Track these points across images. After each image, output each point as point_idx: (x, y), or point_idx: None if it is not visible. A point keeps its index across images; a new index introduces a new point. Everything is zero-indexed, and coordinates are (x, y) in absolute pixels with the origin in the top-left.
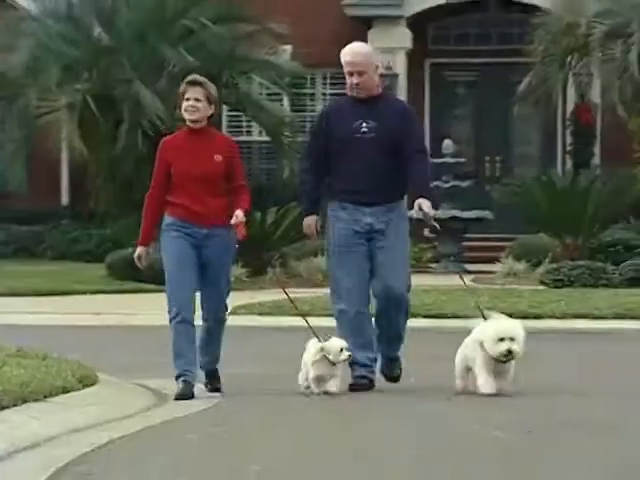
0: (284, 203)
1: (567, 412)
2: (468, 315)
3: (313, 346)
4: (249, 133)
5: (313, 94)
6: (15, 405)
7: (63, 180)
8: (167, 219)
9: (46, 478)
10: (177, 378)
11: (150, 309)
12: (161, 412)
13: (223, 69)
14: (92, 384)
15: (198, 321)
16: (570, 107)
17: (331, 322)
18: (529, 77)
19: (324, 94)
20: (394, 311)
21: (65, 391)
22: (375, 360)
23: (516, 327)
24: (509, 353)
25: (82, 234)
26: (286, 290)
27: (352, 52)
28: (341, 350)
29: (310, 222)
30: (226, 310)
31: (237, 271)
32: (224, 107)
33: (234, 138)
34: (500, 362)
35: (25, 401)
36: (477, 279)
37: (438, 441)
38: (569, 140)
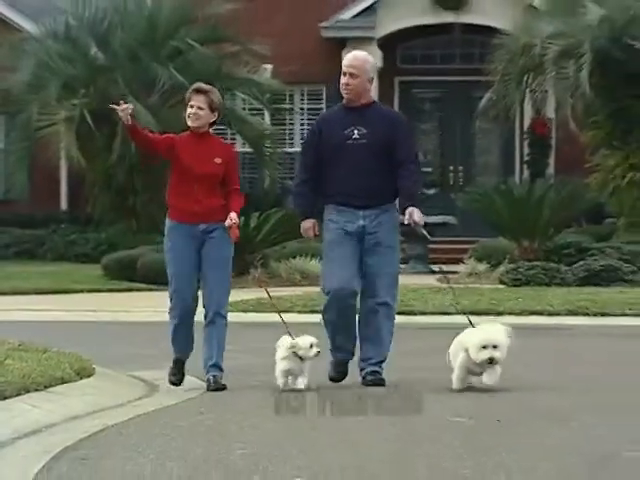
0: (265, 209)
1: (530, 403)
2: (434, 312)
3: (283, 342)
4: (233, 144)
5: (292, 109)
6: (17, 395)
7: (62, 187)
8: (168, 222)
9: (46, 462)
10: (175, 365)
11: (142, 306)
12: (152, 401)
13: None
14: (89, 375)
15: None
16: (527, 121)
17: (309, 318)
18: (489, 94)
19: (302, 109)
20: (379, 317)
21: (64, 382)
22: (352, 351)
23: (499, 335)
24: (491, 360)
25: (80, 237)
26: (266, 289)
27: (353, 56)
28: (311, 346)
29: (308, 225)
30: (224, 312)
31: None
32: None
33: None
34: (487, 367)
35: (27, 391)
36: (442, 279)
37: (410, 426)
38: (526, 151)
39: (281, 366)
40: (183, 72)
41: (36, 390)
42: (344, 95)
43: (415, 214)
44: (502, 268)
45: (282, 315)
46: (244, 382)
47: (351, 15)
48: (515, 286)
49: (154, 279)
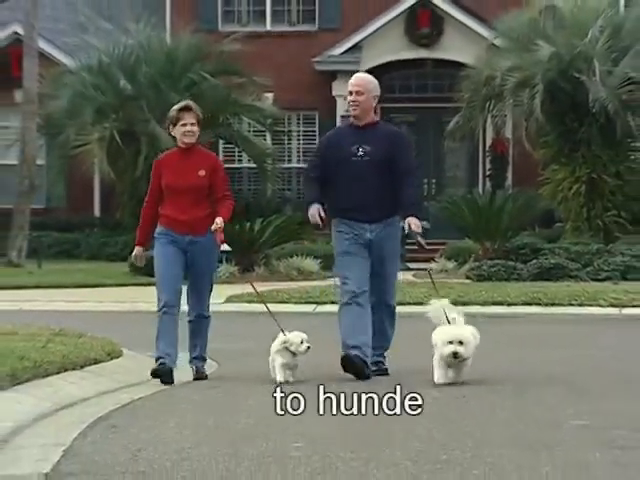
0: (267, 216)
1: (492, 379)
2: (410, 302)
3: (277, 339)
4: (240, 161)
5: (289, 131)
6: (58, 373)
7: (95, 196)
8: (158, 228)
9: (82, 430)
10: (157, 360)
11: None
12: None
13: (219, 112)
14: (118, 357)
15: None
16: (488, 141)
17: (304, 308)
18: (457, 118)
19: (297, 131)
20: (383, 318)
21: (96, 362)
22: (367, 345)
23: (466, 333)
24: (455, 355)
25: (110, 239)
26: (253, 285)
27: (357, 77)
28: (301, 342)
29: (314, 211)
30: (206, 313)
31: (231, 268)
32: (220, 141)
33: (228, 165)
34: (452, 362)
35: (65, 370)
36: (417, 275)
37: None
38: (488, 167)
39: (278, 359)
40: (197, 100)
41: (73, 369)
42: (351, 112)
43: (413, 224)
44: (468, 266)
45: (278, 305)
46: (248, 362)
47: (340, 52)
48: (479, 281)
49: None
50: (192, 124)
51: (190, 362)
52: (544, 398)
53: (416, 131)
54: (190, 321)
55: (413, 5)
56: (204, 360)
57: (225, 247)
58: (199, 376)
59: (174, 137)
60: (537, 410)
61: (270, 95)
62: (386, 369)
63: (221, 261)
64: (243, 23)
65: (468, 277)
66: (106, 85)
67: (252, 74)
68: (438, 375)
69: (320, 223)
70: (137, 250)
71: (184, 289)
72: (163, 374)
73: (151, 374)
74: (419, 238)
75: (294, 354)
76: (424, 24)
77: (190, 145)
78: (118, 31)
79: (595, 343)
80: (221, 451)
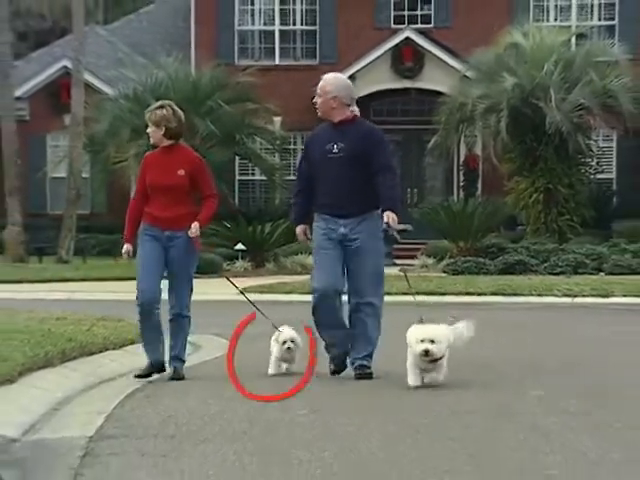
0: (276, 220)
1: (462, 358)
2: (397, 292)
3: (276, 335)
4: (253, 174)
5: (294, 149)
6: (100, 352)
7: None
8: (142, 225)
9: (120, 400)
10: (148, 360)
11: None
12: (196, 357)
13: (236, 133)
14: None
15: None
16: (462, 157)
17: (307, 298)
18: (435, 138)
19: (302, 149)
20: (365, 319)
21: (133, 343)
22: (347, 338)
23: (438, 331)
24: (426, 352)
25: None
26: (230, 279)
27: (324, 77)
28: (284, 342)
29: (300, 231)
30: (185, 312)
31: (245, 264)
32: (237, 157)
33: (243, 177)
34: (424, 360)
35: (107, 349)
36: (402, 270)
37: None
38: (461, 178)
39: (274, 353)
40: (216, 124)
41: (113, 349)
42: (317, 112)
43: (390, 218)
44: (445, 262)
45: (285, 295)
46: (259, 344)
47: (349, 85)
48: (454, 275)
49: (196, 269)
50: (149, 126)
51: (169, 361)
52: (508, 373)
53: (401, 148)
54: (170, 320)
55: (398, 43)
56: (182, 362)
57: (240, 246)
58: (176, 376)
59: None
60: (503, 382)
61: (278, 119)
62: (370, 373)
63: (237, 258)
64: (256, 58)
65: (445, 271)
66: (140, 110)
67: (263, 101)
68: (410, 378)
69: (308, 241)
70: (126, 247)
71: (165, 283)
72: (157, 372)
73: (138, 376)
74: (395, 233)
75: (289, 349)
76: (408, 59)
77: (169, 144)
78: (150, 65)
79: (551, 327)
80: (238, 417)
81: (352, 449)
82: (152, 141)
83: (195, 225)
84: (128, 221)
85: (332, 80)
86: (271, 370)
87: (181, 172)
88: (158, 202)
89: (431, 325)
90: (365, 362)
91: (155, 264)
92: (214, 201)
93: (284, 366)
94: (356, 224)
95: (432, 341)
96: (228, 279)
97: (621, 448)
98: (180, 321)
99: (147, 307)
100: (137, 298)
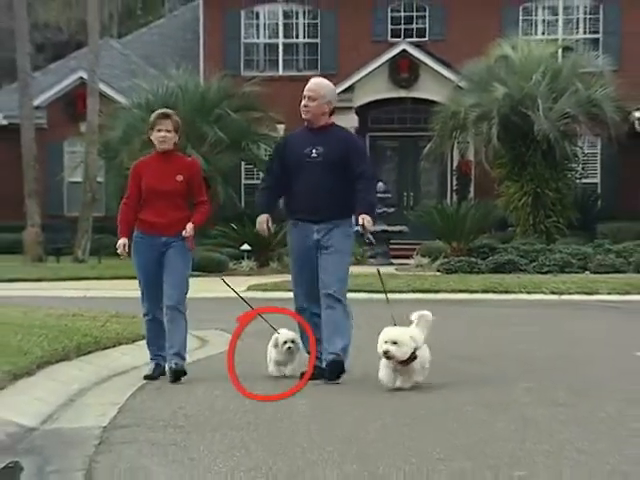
0: (280, 221)
1: (457, 352)
2: (390, 290)
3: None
4: (258, 179)
5: None
6: (114, 346)
7: None
8: (136, 232)
9: (132, 391)
10: (151, 360)
11: (197, 289)
12: (203, 351)
13: (242, 140)
14: None
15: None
16: (455, 162)
17: None
18: (430, 144)
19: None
20: (334, 313)
21: (144, 338)
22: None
23: (402, 334)
24: (385, 353)
25: None
26: (224, 280)
27: (312, 81)
28: (284, 342)
29: (262, 220)
30: (182, 308)
31: (251, 264)
32: (242, 162)
33: (248, 182)
34: (400, 365)
35: (120, 344)
36: (399, 268)
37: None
38: (455, 183)
39: (273, 356)
40: (223, 130)
41: (126, 343)
42: (303, 116)
43: (365, 220)
44: (439, 261)
45: (288, 293)
46: (262, 338)
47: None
48: (448, 273)
49: (204, 269)
50: (167, 131)
51: (169, 359)
52: (499, 367)
53: (398, 154)
54: (167, 317)
55: (395, 55)
56: (182, 358)
57: (246, 247)
58: (177, 375)
59: (152, 141)
60: (494, 376)
61: (282, 126)
62: (341, 362)
63: (242, 258)
64: (260, 69)
65: (439, 270)
66: None
67: (267, 110)
68: (383, 376)
69: (266, 232)
70: (122, 240)
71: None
72: (158, 376)
73: (146, 378)
74: (370, 236)
75: (289, 349)
76: (404, 70)
77: (165, 150)
78: (161, 76)
79: (539, 323)
80: (243, 409)
81: (351, 438)
82: (166, 146)
83: (190, 225)
84: (121, 222)
85: (325, 85)
86: (271, 371)
87: (180, 178)
88: (154, 208)
89: (399, 328)
90: (335, 356)
91: (155, 276)
92: (207, 207)
93: (284, 368)
94: (328, 230)
95: (394, 342)
96: (224, 280)
97: (605, 437)
98: (177, 317)
99: (154, 320)
100: (143, 309)
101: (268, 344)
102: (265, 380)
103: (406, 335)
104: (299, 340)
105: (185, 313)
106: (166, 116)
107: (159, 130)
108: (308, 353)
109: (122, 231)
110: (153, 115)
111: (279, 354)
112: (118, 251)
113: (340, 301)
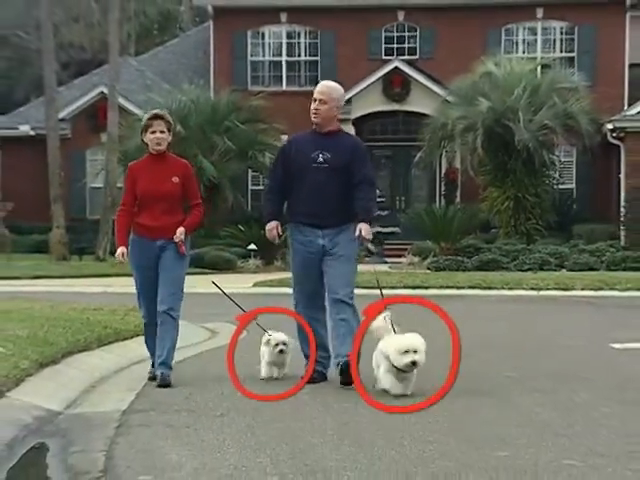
0: (284, 223)
1: (445, 344)
2: (385, 286)
3: (266, 338)
4: (263, 185)
5: None
6: (132, 338)
7: None
8: (132, 236)
9: (147, 379)
10: (152, 365)
11: (207, 285)
12: (213, 342)
13: (249, 149)
14: None
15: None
16: (443, 170)
17: None
18: (421, 153)
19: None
20: (341, 315)
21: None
22: (327, 358)
23: (417, 340)
24: (413, 364)
25: None
26: (215, 284)
27: (322, 84)
28: (276, 344)
29: (271, 227)
30: (174, 314)
31: (256, 262)
32: (249, 170)
33: (255, 188)
34: (402, 371)
35: (138, 335)
36: (392, 267)
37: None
38: (443, 188)
39: (265, 357)
40: (232, 140)
41: (143, 335)
42: (313, 119)
43: (363, 230)
44: (429, 260)
45: (280, 289)
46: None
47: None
48: (437, 271)
49: (214, 266)
50: (161, 132)
51: (156, 368)
52: (485, 358)
53: (391, 162)
54: (159, 324)
55: (388, 72)
56: (169, 368)
57: (252, 246)
58: (164, 383)
59: (146, 143)
60: (480, 366)
61: (285, 137)
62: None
63: (249, 256)
64: (266, 85)
65: (429, 268)
66: None
67: (272, 121)
68: (393, 386)
69: (277, 239)
70: (121, 249)
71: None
72: (165, 382)
73: (150, 379)
74: (369, 245)
75: (281, 352)
76: (396, 86)
77: (160, 152)
78: (175, 90)
79: (520, 316)
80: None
81: (348, 422)
82: (161, 147)
83: (180, 230)
84: (119, 230)
85: (337, 88)
86: (263, 374)
87: (175, 179)
88: (150, 211)
89: (409, 335)
90: (348, 359)
91: (150, 279)
92: (201, 210)
93: (276, 370)
94: (333, 235)
95: (415, 351)
96: (215, 284)
97: (581, 420)
98: (168, 322)
99: (151, 324)
100: (141, 312)
101: (260, 346)
102: (265, 380)
103: (421, 340)
104: (290, 343)
105: (178, 319)
106: (159, 117)
107: (153, 132)
108: (306, 357)
109: (120, 239)
110: (145, 117)
111: (271, 355)
112: (117, 259)
113: (350, 305)
